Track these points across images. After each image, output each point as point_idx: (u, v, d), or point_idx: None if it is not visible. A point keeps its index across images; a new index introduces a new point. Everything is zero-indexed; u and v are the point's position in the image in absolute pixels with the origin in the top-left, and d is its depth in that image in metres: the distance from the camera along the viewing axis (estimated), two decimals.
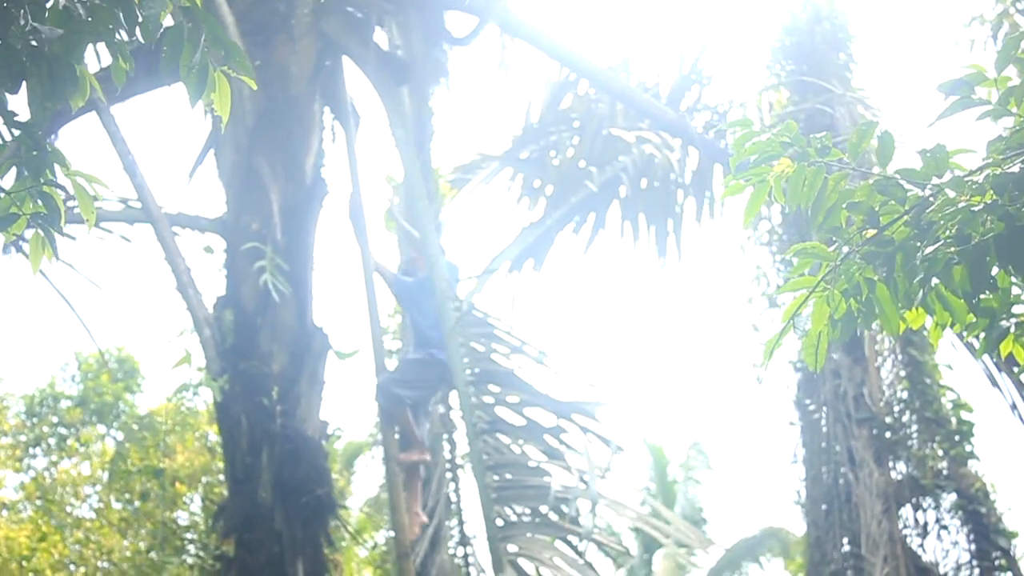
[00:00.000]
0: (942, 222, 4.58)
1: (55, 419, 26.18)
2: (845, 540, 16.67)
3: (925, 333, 17.72)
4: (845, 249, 4.94)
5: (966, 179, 4.59)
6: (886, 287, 4.89)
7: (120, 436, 24.53)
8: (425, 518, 13.46)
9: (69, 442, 25.02)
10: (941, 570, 16.47)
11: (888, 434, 17.11)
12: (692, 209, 16.75)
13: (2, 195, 4.99)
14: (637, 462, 35.35)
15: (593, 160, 16.37)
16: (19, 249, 13.83)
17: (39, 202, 5.05)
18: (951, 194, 4.64)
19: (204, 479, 20.21)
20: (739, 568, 33.58)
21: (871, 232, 4.87)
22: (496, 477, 13.05)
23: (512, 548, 12.75)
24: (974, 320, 5.11)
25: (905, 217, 4.76)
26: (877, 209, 4.83)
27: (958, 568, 16.62)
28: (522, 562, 12.73)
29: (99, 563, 20.55)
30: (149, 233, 14.02)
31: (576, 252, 16.76)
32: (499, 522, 12.84)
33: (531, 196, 16.97)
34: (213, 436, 20.58)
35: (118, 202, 14.48)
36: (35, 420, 26.07)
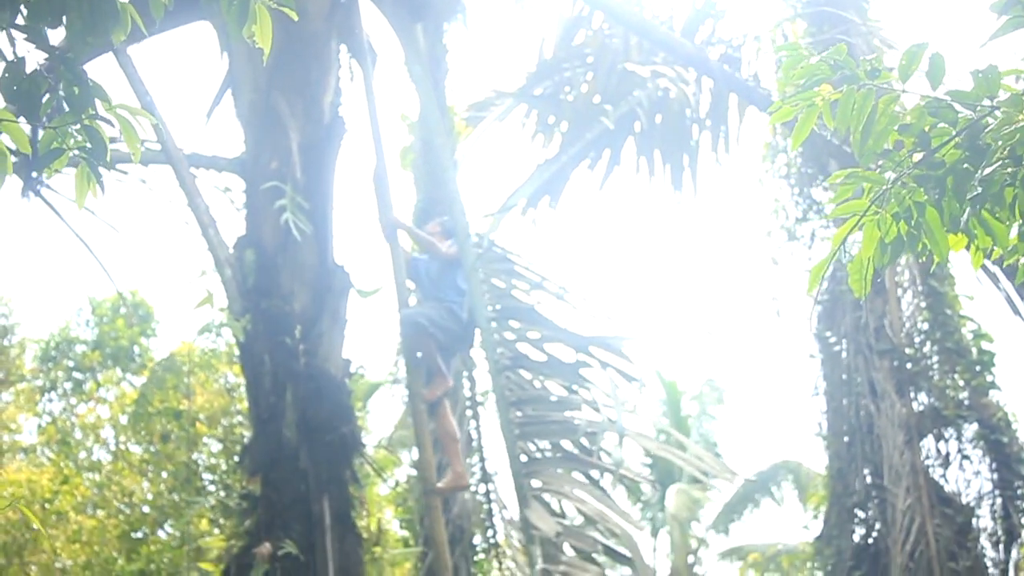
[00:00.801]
0: (999, 143, 4.54)
1: (71, 363, 26.24)
2: (867, 471, 16.67)
3: (948, 265, 17.70)
4: (890, 174, 4.89)
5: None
6: (936, 211, 4.86)
7: (136, 380, 24.60)
8: (468, 480, 13.40)
9: (87, 386, 25.08)
10: (963, 500, 16.49)
11: (909, 365, 17.07)
12: (708, 143, 16.71)
13: (46, 130, 4.96)
14: (652, 397, 35.43)
15: (608, 96, 16.29)
16: (37, 193, 13.81)
17: (80, 138, 5.03)
18: (999, 115, 4.60)
19: (223, 421, 20.27)
20: (753, 501, 33.69)
21: (919, 155, 4.83)
22: (519, 413, 13.09)
23: (536, 483, 12.80)
24: (1015, 244, 5.08)
25: (957, 139, 4.71)
26: (928, 131, 4.79)
27: (980, 498, 16.64)
28: (546, 496, 12.79)
29: (120, 505, 20.65)
30: (167, 174, 13.98)
31: (592, 188, 16.73)
32: (523, 458, 12.88)
33: (546, 133, 16.90)
34: (232, 378, 20.63)
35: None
36: (50, 365, 26.13)
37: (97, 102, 4.99)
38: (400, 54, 14.34)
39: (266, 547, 13.03)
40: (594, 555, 12.29)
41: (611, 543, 12.30)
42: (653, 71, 16.25)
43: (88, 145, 4.96)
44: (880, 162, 4.97)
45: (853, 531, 16.61)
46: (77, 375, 26.14)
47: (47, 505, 18.96)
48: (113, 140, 5.12)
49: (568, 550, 12.45)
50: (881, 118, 4.84)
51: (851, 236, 4.98)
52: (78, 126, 4.98)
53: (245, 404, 19.75)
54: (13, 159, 5.11)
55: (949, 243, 5.08)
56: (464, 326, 12.45)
